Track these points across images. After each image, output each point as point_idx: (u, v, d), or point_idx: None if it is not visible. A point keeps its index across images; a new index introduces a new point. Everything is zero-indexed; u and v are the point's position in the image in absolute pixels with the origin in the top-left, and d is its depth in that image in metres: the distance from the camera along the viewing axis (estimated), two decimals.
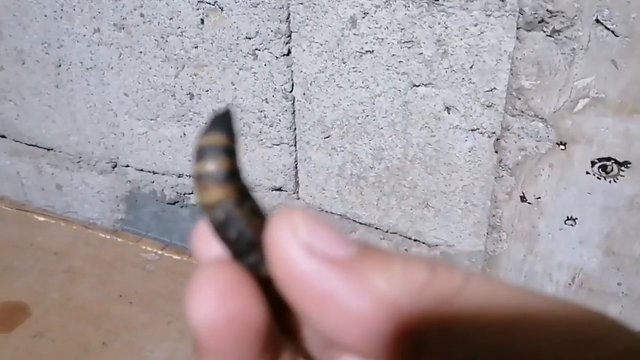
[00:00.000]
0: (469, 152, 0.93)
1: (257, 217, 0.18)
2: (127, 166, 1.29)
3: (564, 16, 0.72)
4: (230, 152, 0.18)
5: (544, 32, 0.75)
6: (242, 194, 0.18)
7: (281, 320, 0.18)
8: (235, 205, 0.17)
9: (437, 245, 1.06)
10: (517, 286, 0.17)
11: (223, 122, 0.18)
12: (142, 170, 1.27)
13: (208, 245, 0.19)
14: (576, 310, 0.16)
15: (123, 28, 1.11)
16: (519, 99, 0.80)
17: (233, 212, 0.17)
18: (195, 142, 0.18)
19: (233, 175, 0.17)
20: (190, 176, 1.23)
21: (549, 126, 0.80)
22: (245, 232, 0.17)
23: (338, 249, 0.16)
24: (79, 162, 1.35)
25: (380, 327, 0.15)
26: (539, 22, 0.74)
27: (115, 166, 1.31)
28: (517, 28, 0.77)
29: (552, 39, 0.75)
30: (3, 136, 1.41)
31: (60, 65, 1.22)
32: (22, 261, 1.10)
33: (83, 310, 0.99)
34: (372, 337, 0.16)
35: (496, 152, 0.90)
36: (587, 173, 0.81)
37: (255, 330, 0.16)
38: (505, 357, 0.15)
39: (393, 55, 0.91)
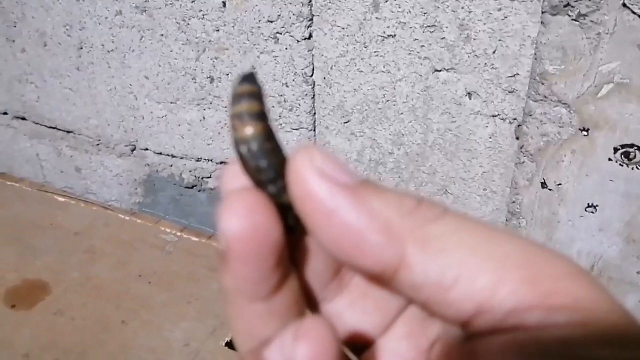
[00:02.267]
0: (490, 138, 0.93)
1: (281, 152, 0.22)
2: (146, 150, 1.30)
3: (590, 0, 0.72)
4: (260, 98, 0.22)
5: (570, 16, 0.74)
6: (271, 132, 0.22)
7: (292, 254, 0.22)
8: (267, 139, 0.21)
9: None
10: (488, 223, 0.20)
11: (251, 78, 0.22)
12: (161, 153, 1.28)
13: (236, 180, 0.22)
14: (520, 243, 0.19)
15: (145, 11, 1.11)
16: (543, 84, 0.80)
17: (265, 144, 0.21)
18: (232, 91, 0.22)
19: (264, 116, 0.21)
20: (209, 160, 1.23)
21: (572, 112, 0.79)
22: (273, 161, 0.21)
23: (345, 177, 0.20)
24: (98, 145, 1.36)
25: (374, 238, 0.19)
26: (565, 6, 0.74)
27: (135, 149, 1.32)
28: (543, 12, 0.77)
29: (577, 23, 0.74)
30: (24, 118, 1.42)
31: (82, 48, 1.23)
32: (42, 241, 1.12)
33: (103, 290, 1.00)
34: (367, 248, 0.19)
35: (517, 138, 0.90)
36: (610, 160, 0.80)
37: (272, 242, 0.20)
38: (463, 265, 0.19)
39: (415, 39, 0.91)
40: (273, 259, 0.20)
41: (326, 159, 0.20)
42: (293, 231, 0.22)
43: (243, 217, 0.20)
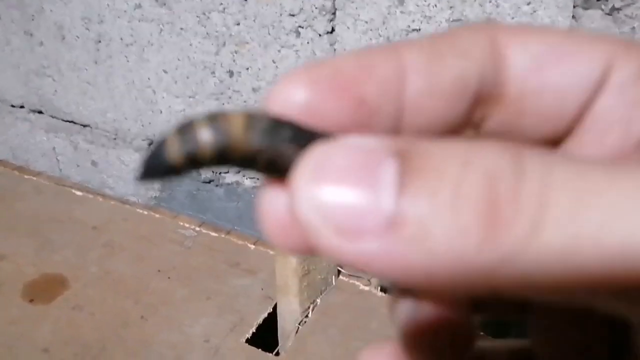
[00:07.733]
0: None
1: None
2: None
3: None
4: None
5: (602, 10, 0.73)
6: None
7: None
8: None
9: None
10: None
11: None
12: None
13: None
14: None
15: (164, 4, 1.10)
16: None
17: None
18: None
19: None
20: None
21: None
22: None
23: None
24: (115, 139, 1.35)
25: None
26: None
27: (152, 143, 1.31)
28: (574, 6, 0.76)
29: (610, 17, 0.73)
30: (40, 112, 1.42)
31: (100, 41, 1.22)
32: (60, 235, 1.11)
33: (122, 284, 1.00)
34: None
35: None
36: None
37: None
38: None
39: None
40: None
41: None
42: None
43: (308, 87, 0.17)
